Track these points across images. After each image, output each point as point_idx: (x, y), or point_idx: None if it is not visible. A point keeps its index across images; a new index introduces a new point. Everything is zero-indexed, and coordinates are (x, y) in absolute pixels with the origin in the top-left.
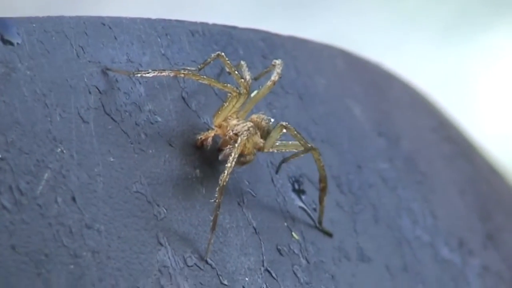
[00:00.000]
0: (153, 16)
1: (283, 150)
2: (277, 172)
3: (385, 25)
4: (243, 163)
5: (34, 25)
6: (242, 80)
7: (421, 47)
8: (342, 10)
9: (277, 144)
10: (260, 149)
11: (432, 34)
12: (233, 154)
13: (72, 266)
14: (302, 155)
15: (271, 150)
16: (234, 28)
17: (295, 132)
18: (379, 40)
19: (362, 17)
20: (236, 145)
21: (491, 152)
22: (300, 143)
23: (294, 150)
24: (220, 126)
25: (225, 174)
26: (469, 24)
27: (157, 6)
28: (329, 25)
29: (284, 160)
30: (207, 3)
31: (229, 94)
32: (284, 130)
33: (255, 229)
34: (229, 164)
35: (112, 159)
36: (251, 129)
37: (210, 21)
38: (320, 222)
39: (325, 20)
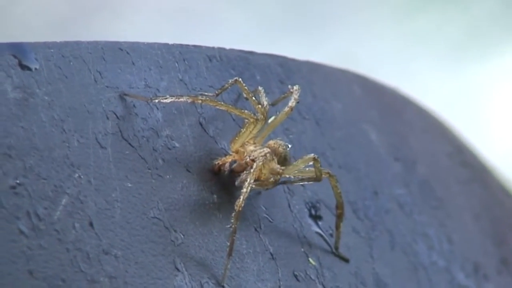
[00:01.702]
0: (170, 41)
1: (299, 176)
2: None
3: (397, 46)
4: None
5: (52, 50)
6: (260, 106)
7: (432, 67)
8: (354, 31)
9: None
10: (278, 174)
11: (444, 54)
12: (248, 179)
13: None
14: (307, 182)
15: (287, 176)
16: (251, 53)
17: (318, 165)
18: (390, 60)
19: (374, 37)
20: (252, 170)
21: (505, 171)
22: (316, 173)
23: (309, 176)
24: (237, 152)
25: (241, 199)
26: (481, 44)
27: (174, 31)
28: (341, 45)
29: (286, 182)
30: (223, 26)
31: (246, 120)
32: (311, 163)
33: (272, 255)
34: (244, 190)
35: (129, 185)
36: (267, 155)
37: (227, 45)
38: (336, 248)
39: (337, 40)
